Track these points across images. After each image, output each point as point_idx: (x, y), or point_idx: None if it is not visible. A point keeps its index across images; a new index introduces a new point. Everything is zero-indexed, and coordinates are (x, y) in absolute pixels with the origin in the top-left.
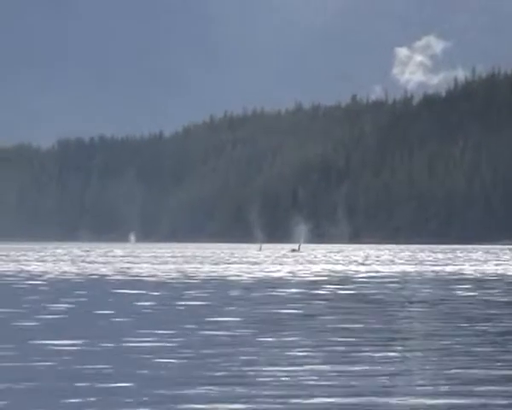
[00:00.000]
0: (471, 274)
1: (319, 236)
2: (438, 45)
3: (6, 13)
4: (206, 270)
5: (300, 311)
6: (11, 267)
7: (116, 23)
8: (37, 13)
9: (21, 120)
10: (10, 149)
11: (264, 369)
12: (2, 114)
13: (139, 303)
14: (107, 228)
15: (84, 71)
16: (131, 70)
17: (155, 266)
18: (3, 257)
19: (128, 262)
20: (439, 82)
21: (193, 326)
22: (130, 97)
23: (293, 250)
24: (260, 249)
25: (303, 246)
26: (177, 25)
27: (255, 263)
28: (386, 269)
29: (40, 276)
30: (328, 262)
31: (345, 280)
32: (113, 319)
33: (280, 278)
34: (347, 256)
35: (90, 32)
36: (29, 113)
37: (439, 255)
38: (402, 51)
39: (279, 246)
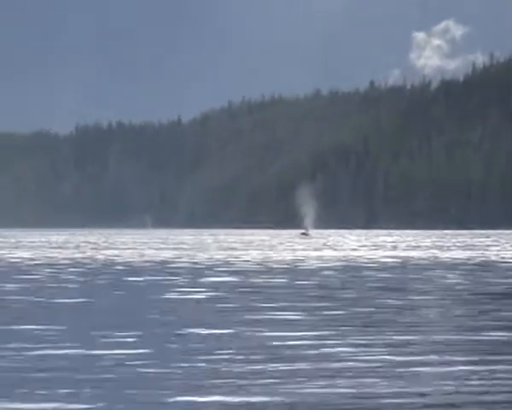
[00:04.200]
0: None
1: (336, 221)
2: (457, 30)
3: (33, 2)
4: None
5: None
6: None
7: (134, 15)
8: (62, 4)
9: (39, 107)
10: (28, 136)
11: None
12: (20, 101)
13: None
14: (125, 214)
15: (103, 58)
16: (149, 57)
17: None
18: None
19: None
20: (456, 67)
21: None
22: (148, 84)
23: (303, 234)
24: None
25: (311, 230)
26: (195, 12)
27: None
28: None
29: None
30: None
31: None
32: None
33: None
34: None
35: (109, 23)
36: (47, 99)
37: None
38: (419, 35)
39: (292, 232)
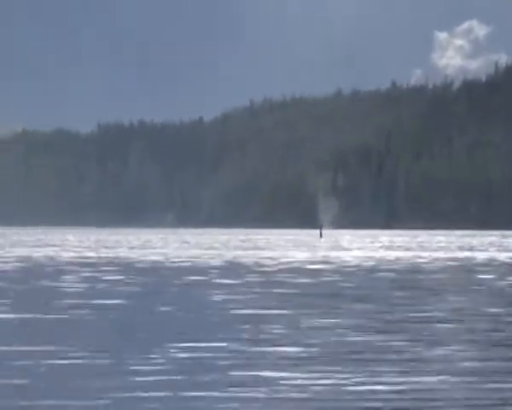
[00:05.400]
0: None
1: (356, 221)
2: (479, 30)
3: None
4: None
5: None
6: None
7: (156, 12)
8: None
9: (61, 105)
10: (50, 134)
11: None
12: (42, 98)
13: None
14: (145, 213)
15: (124, 56)
16: (171, 56)
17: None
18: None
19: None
20: (478, 67)
21: None
22: (169, 83)
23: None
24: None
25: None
26: (216, 13)
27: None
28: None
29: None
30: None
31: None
32: None
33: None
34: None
35: (131, 18)
36: (68, 97)
37: None
38: (442, 35)
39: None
